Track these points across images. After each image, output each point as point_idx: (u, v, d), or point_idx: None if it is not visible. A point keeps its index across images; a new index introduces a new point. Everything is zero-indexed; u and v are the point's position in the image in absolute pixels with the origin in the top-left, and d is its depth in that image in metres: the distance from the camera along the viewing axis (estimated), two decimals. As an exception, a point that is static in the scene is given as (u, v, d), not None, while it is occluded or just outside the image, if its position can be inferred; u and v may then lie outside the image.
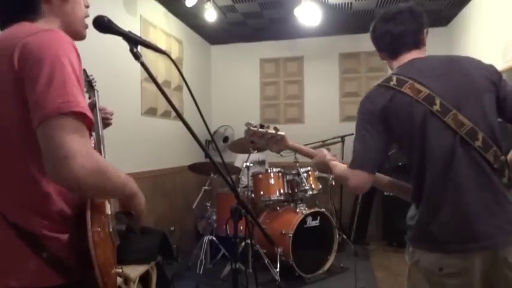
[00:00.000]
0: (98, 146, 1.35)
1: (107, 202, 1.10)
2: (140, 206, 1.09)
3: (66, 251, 0.93)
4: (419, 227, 1.30)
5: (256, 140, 1.64)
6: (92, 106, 1.51)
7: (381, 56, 1.49)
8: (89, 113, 0.88)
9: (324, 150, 1.59)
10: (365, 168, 1.32)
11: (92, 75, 1.65)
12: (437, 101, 1.24)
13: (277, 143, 1.63)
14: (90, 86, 1.62)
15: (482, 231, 1.20)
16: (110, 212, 1.11)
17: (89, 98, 1.58)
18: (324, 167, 1.55)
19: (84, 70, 1.62)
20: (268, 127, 1.61)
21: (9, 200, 0.92)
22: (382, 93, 1.32)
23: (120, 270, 1.08)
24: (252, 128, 1.60)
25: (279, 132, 1.62)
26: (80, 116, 0.85)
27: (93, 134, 1.26)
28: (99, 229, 0.96)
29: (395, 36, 1.39)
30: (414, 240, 1.33)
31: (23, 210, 0.91)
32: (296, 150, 1.69)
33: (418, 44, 1.40)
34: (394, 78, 1.32)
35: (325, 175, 4.39)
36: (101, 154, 1.32)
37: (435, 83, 1.28)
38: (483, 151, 1.22)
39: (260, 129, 1.60)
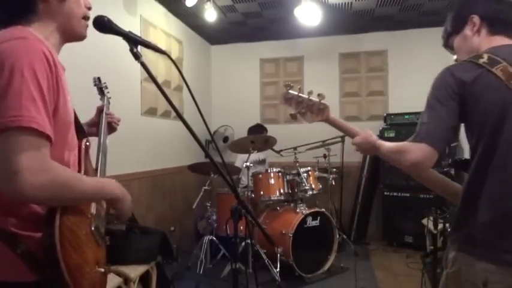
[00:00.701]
0: (98, 153, 1.34)
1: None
2: (123, 209, 1.11)
3: (39, 249, 0.93)
4: (471, 229, 1.13)
5: (293, 106, 1.46)
6: (99, 111, 1.50)
7: (471, 28, 1.26)
8: (45, 128, 0.86)
9: (369, 131, 1.41)
10: (432, 142, 1.12)
11: (105, 83, 1.65)
12: None
13: (317, 113, 1.45)
14: (101, 92, 1.62)
15: None
16: (95, 212, 1.09)
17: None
18: (368, 146, 1.36)
19: (99, 78, 1.63)
20: (311, 93, 1.45)
21: None
22: (467, 69, 1.15)
23: (103, 270, 1.07)
24: (290, 91, 1.44)
25: (322, 101, 1.44)
26: (34, 131, 0.84)
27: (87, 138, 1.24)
28: (73, 224, 0.95)
29: (511, 15, 1.22)
30: (461, 244, 1.16)
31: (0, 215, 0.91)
32: (337, 126, 1.49)
33: None
34: (486, 56, 1.14)
35: (325, 175, 4.39)
36: (99, 161, 1.31)
37: None
38: None
39: (301, 94, 1.43)
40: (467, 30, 1.26)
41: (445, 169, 1.39)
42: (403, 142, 1.19)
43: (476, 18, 1.24)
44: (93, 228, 1.06)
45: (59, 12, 1.03)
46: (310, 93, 1.45)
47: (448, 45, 1.36)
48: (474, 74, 1.13)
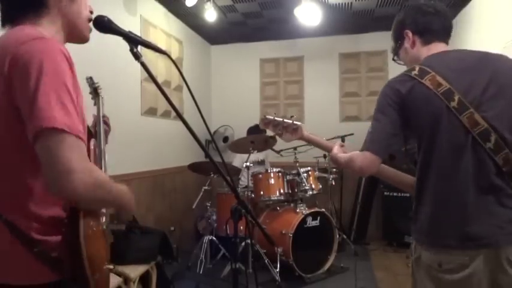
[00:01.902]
0: (99, 158, 1.34)
1: None
2: (127, 214, 1.14)
3: (58, 249, 0.94)
4: (421, 222, 1.31)
5: (271, 129, 1.66)
6: (97, 118, 1.50)
7: (408, 41, 1.43)
8: (79, 130, 0.87)
9: (335, 145, 1.55)
10: (374, 150, 1.30)
11: (97, 83, 1.64)
12: (456, 97, 1.23)
13: (292, 132, 1.64)
14: (95, 92, 1.62)
15: (481, 230, 1.20)
16: (104, 210, 1.13)
17: (94, 104, 1.58)
18: (334, 160, 1.50)
19: (91, 78, 1.62)
20: (284, 116, 1.65)
21: (4, 201, 0.93)
22: (403, 81, 1.31)
23: (112, 267, 1.09)
24: (267, 116, 1.64)
25: (295, 122, 1.63)
26: (69, 133, 0.85)
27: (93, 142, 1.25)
28: (92, 224, 0.98)
29: (436, 23, 1.38)
30: (416, 235, 1.34)
31: (16, 212, 0.92)
32: (311, 142, 1.68)
33: (447, 38, 1.40)
34: (417, 68, 1.31)
35: (325, 175, 4.39)
36: (102, 167, 1.32)
37: (459, 78, 1.25)
38: (493, 153, 1.21)
39: (276, 118, 1.63)
40: (406, 44, 1.44)
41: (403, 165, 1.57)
42: (352, 153, 1.37)
43: (409, 33, 1.42)
44: (104, 227, 1.09)
45: (69, 11, 1.04)
46: (283, 116, 1.66)
47: (398, 59, 1.53)
48: (409, 85, 1.29)
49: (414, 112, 1.28)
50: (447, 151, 1.24)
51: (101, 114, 1.49)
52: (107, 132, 1.49)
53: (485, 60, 1.30)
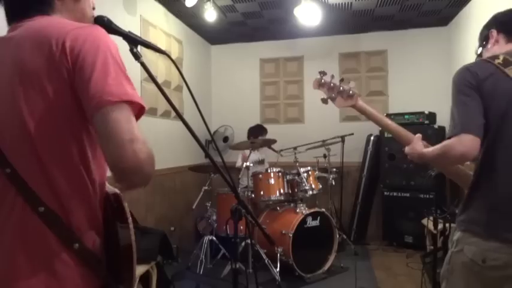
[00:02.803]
0: None
1: None
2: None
3: (98, 248, 0.91)
4: (476, 212, 1.27)
5: (325, 91, 1.60)
6: None
7: (491, 35, 1.45)
8: (142, 103, 0.91)
9: (417, 138, 1.44)
10: (471, 130, 1.23)
11: None
12: None
13: (346, 99, 1.58)
14: None
15: None
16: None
17: None
18: (416, 155, 1.42)
19: None
20: (342, 80, 1.57)
21: (54, 190, 0.87)
22: (483, 67, 1.30)
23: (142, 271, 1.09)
24: (324, 77, 1.57)
25: (352, 90, 1.56)
26: (135, 107, 0.88)
27: None
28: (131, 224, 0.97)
29: None
30: (466, 223, 1.30)
31: (67, 201, 0.88)
32: (365, 113, 1.59)
33: None
34: (501, 57, 1.30)
35: (325, 175, 4.39)
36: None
37: None
38: None
39: (333, 81, 1.57)
40: (490, 43, 1.46)
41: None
42: (443, 143, 1.28)
43: (493, 32, 1.44)
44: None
45: (73, 11, 1.04)
46: (341, 80, 1.57)
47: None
48: (489, 71, 1.28)
49: (489, 99, 1.26)
50: None
51: None
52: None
53: None
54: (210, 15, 4.02)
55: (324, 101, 1.63)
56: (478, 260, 1.22)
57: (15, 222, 0.87)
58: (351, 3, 4.12)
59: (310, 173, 3.91)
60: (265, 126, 4.77)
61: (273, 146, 4.37)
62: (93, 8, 1.12)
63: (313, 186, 3.86)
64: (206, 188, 3.95)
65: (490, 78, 1.26)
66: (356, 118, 5.14)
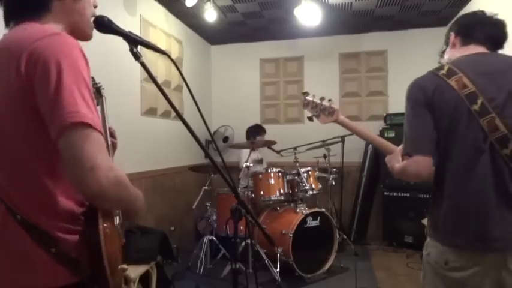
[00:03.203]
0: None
1: None
2: (136, 218, 1.14)
3: (75, 249, 0.93)
4: (436, 219, 1.33)
5: (309, 110, 1.76)
6: (101, 119, 1.49)
7: (450, 37, 1.46)
8: (100, 126, 0.87)
9: (396, 150, 1.48)
10: (422, 150, 1.28)
11: (99, 83, 1.64)
12: (479, 101, 1.23)
13: (328, 115, 1.72)
14: (98, 93, 1.62)
15: (492, 234, 1.22)
16: (117, 210, 1.13)
17: (97, 104, 1.57)
18: (390, 166, 1.46)
19: (92, 77, 1.62)
20: (323, 99, 1.73)
21: (23, 201, 0.92)
22: (429, 81, 1.31)
23: (126, 267, 1.09)
24: (307, 98, 1.75)
25: (332, 105, 1.71)
26: (94, 128, 0.85)
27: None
28: (109, 224, 0.97)
29: (478, 27, 1.39)
30: (430, 229, 1.37)
31: (34, 210, 0.91)
32: (346, 127, 1.71)
33: (488, 44, 1.39)
34: (446, 67, 1.31)
35: (325, 175, 4.39)
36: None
37: (487, 81, 1.26)
38: (509, 160, 1.22)
39: (315, 100, 1.74)
40: (449, 45, 1.48)
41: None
42: (402, 162, 1.35)
43: (452, 35, 1.46)
44: (118, 227, 1.09)
45: (73, 11, 1.03)
46: (322, 98, 1.75)
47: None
48: (435, 83, 1.29)
49: (437, 111, 1.28)
50: (465, 154, 1.25)
51: (105, 113, 1.49)
52: (114, 145, 1.43)
53: None
54: (210, 15, 4.02)
55: (310, 118, 1.80)
56: (441, 262, 1.28)
57: None
58: (351, 3, 4.12)
59: (310, 173, 3.91)
60: (265, 126, 4.77)
61: (273, 146, 4.37)
62: (95, 6, 1.11)
63: (313, 186, 3.86)
64: (206, 188, 3.95)
65: (437, 91, 1.27)
66: (356, 118, 5.15)
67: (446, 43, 1.50)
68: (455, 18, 1.52)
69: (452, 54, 1.44)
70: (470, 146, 1.24)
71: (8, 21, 1.00)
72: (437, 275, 1.31)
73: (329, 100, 1.72)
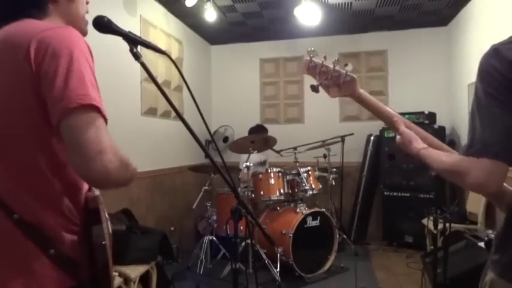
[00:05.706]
0: None
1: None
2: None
3: (74, 251, 0.92)
4: (510, 257, 0.96)
5: (316, 76, 1.25)
6: None
7: None
8: (104, 111, 0.87)
9: (412, 133, 1.15)
10: (498, 155, 0.86)
11: None
12: None
13: (342, 86, 1.21)
14: None
15: None
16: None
17: None
18: (411, 152, 1.13)
19: None
20: (337, 62, 1.21)
21: (22, 193, 0.89)
22: None
23: (116, 274, 1.10)
24: (314, 59, 1.23)
25: (349, 73, 1.20)
26: (100, 112, 0.85)
27: None
28: (107, 223, 0.97)
29: None
30: (502, 267, 0.97)
31: (34, 205, 0.89)
32: (366, 104, 1.24)
33: None
34: None
35: (325, 175, 4.39)
36: None
37: None
38: None
39: (325, 63, 1.21)
40: None
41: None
42: (460, 158, 0.95)
43: None
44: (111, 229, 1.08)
45: (67, 13, 1.04)
46: (336, 62, 1.21)
47: None
48: None
49: None
50: None
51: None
52: None
53: None
54: (210, 15, 4.02)
55: (314, 88, 1.24)
56: None
57: None
58: (351, 3, 4.12)
59: (310, 173, 3.91)
60: (265, 126, 4.77)
61: (273, 146, 4.36)
62: (87, 2, 1.11)
63: (313, 186, 3.86)
64: (206, 188, 3.94)
65: None
66: (356, 118, 5.15)
67: None
68: None
69: None
70: None
71: (2, 23, 1.00)
72: None
73: (345, 65, 1.20)
